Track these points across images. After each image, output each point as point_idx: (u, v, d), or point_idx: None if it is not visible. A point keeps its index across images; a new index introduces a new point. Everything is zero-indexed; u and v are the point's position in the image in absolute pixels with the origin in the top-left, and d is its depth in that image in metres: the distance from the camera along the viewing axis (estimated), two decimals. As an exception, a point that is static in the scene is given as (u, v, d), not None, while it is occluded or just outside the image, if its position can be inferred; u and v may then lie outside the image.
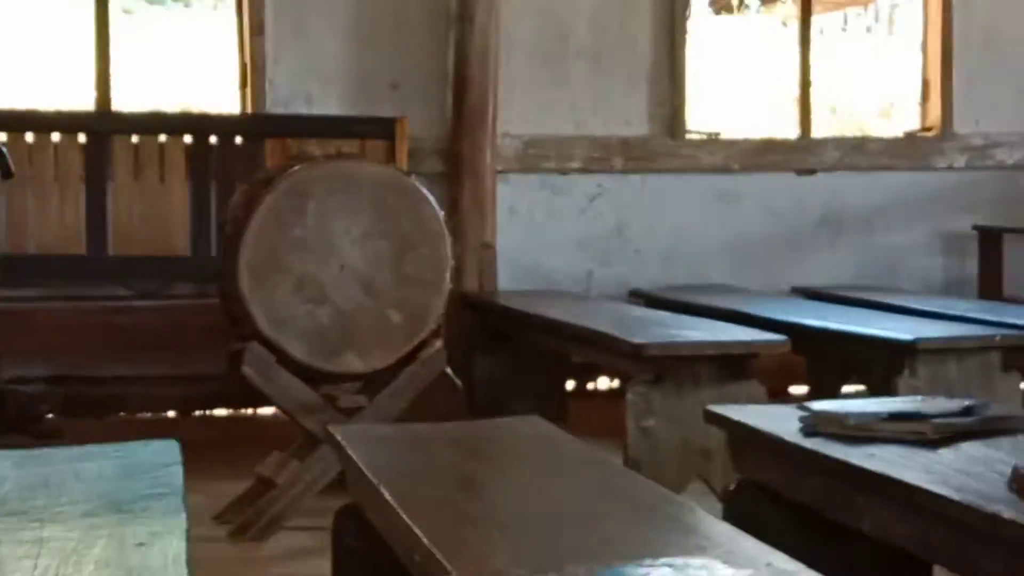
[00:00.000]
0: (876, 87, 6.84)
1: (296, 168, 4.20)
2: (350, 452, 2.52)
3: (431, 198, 4.27)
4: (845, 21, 11.38)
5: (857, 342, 4.45)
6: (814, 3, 6.42)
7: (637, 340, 4.08)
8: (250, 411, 5.65)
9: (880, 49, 6.63)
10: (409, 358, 4.20)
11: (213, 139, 5.47)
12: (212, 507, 4.22)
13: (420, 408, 4.14)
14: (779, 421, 2.55)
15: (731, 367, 4.02)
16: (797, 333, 4.49)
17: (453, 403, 4.55)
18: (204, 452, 5.11)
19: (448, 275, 4.27)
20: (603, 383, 6.04)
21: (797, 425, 2.48)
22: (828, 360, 4.81)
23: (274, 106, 5.82)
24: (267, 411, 5.37)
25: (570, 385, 5.96)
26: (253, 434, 5.32)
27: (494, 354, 5.66)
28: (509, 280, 5.98)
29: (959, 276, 6.29)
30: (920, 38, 6.38)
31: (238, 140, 5.53)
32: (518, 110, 6.01)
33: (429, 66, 5.96)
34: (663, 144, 6.17)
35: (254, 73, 5.85)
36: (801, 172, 6.27)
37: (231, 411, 5.74)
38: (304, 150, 5.16)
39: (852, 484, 2.23)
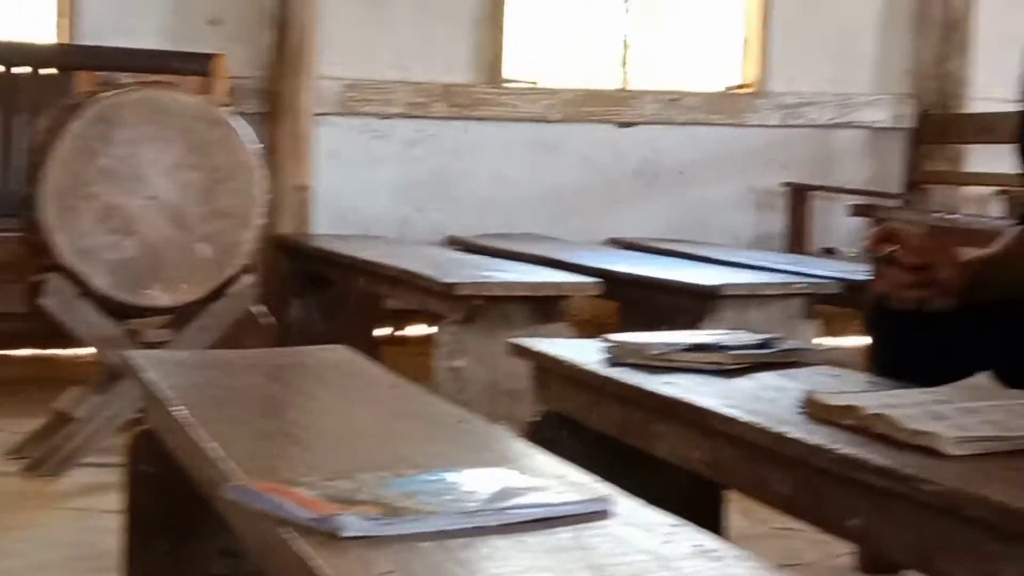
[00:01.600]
0: (698, 42, 6.89)
1: (105, 95, 4.09)
2: (145, 374, 2.46)
3: (244, 131, 4.19)
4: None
5: (666, 289, 4.50)
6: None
7: (449, 280, 4.06)
8: (54, 351, 5.51)
9: (704, 4, 6.67)
10: (218, 293, 4.13)
11: (25, 70, 5.29)
12: (8, 443, 4.11)
13: (228, 346, 4.06)
14: (584, 353, 2.55)
15: (542, 309, 4.02)
16: (609, 280, 4.53)
17: (262, 342, 4.48)
18: (3, 390, 5.00)
19: (260, 210, 4.20)
20: (418, 331, 6.01)
21: (601, 356, 2.48)
22: (639, 307, 4.84)
23: (88, 38, 5.65)
24: (72, 351, 5.24)
25: (385, 331, 5.92)
26: (56, 374, 5.18)
27: (308, 297, 5.59)
28: (326, 224, 5.93)
29: (768, 231, 6.41)
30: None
31: (51, 72, 5.37)
32: (340, 52, 5.95)
33: (250, 3, 5.86)
34: (484, 92, 6.16)
35: (71, 3, 5.69)
36: (621, 124, 6.31)
37: (34, 351, 5.60)
38: (114, 80, 5.02)
39: (650, 410, 2.24)
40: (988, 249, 2.41)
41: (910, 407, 1.87)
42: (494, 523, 1.44)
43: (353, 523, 1.40)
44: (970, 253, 2.39)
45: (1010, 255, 2.35)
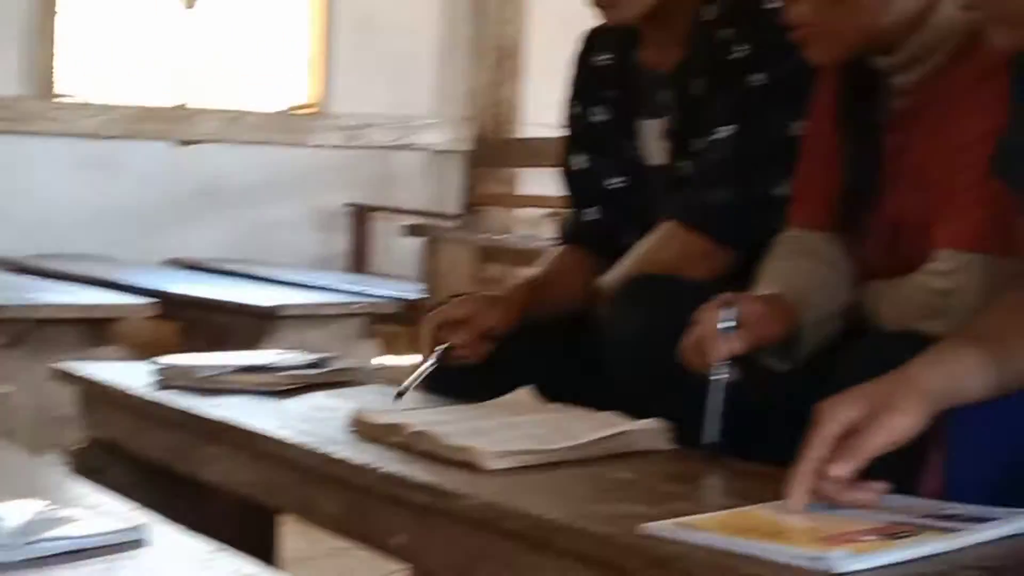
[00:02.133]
0: (262, 60, 6.86)
1: None
2: None
3: None
4: None
5: (225, 310, 4.47)
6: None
7: (-8, 303, 3.88)
8: None
9: (269, 23, 6.65)
10: None
11: None
12: None
13: None
14: (131, 376, 2.47)
15: (94, 331, 3.90)
16: (168, 301, 4.47)
17: None
18: None
19: None
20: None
21: (149, 380, 2.42)
22: (199, 328, 4.77)
23: None
24: None
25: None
26: None
27: None
28: None
29: (331, 251, 6.44)
30: (306, 16, 6.46)
31: None
32: None
33: None
34: (34, 106, 5.93)
35: None
36: (180, 142, 6.20)
37: None
38: None
39: (199, 435, 2.18)
40: (533, 271, 2.47)
41: (454, 423, 1.90)
42: (18, 558, 1.35)
43: None
44: (522, 273, 2.45)
45: (550, 276, 2.42)
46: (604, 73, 2.40)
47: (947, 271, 1.84)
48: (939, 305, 1.83)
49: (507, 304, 2.27)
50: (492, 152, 6.57)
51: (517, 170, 6.58)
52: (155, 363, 2.49)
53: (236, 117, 6.33)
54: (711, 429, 1.79)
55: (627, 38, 2.36)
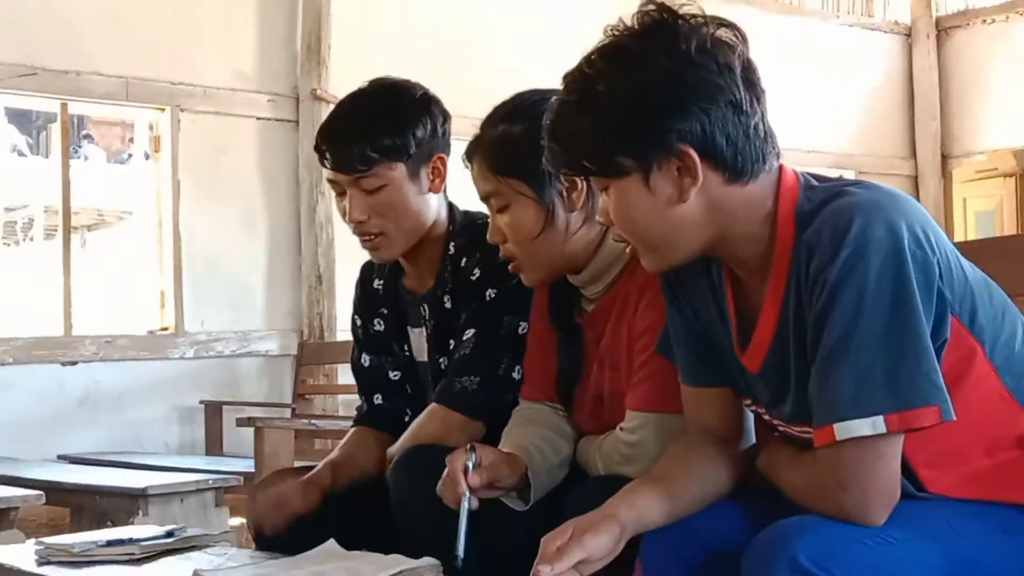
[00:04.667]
0: (121, 291, 6.75)
1: None
2: None
3: None
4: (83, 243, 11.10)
5: (105, 493, 4.28)
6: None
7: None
8: None
9: (133, 264, 6.56)
10: None
11: None
12: None
13: None
14: (20, 555, 2.35)
15: (-5, 519, 3.70)
16: (57, 490, 4.31)
17: None
18: None
19: None
20: None
21: (35, 557, 2.30)
22: (86, 510, 4.57)
23: None
24: None
25: None
26: None
27: None
28: None
29: (192, 439, 6.26)
30: (156, 258, 6.37)
31: None
32: None
33: None
34: (-56, 341, 5.70)
35: None
36: (65, 363, 6.00)
37: None
38: None
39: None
40: (334, 453, 2.40)
41: (275, 572, 1.86)
42: None
43: None
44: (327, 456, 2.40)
45: (347, 454, 2.35)
46: (377, 295, 2.38)
47: (632, 428, 1.85)
48: (630, 454, 1.85)
49: (309, 488, 2.19)
50: (313, 353, 6.53)
51: (334, 365, 6.54)
52: (39, 543, 2.38)
53: (111, 340, 6.16)
54: (458, 547, 1.75)
55: (393, 268, 2.36)
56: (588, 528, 1.54)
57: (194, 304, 6.33)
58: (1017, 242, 1.71)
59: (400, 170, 2.15)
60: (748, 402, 1.69)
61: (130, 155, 10.97)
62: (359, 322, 2.42)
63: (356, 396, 6.87)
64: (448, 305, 2.23)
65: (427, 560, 1.86)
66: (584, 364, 1.99)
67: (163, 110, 6.32)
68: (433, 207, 2.23)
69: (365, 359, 2.40)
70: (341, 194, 2.20)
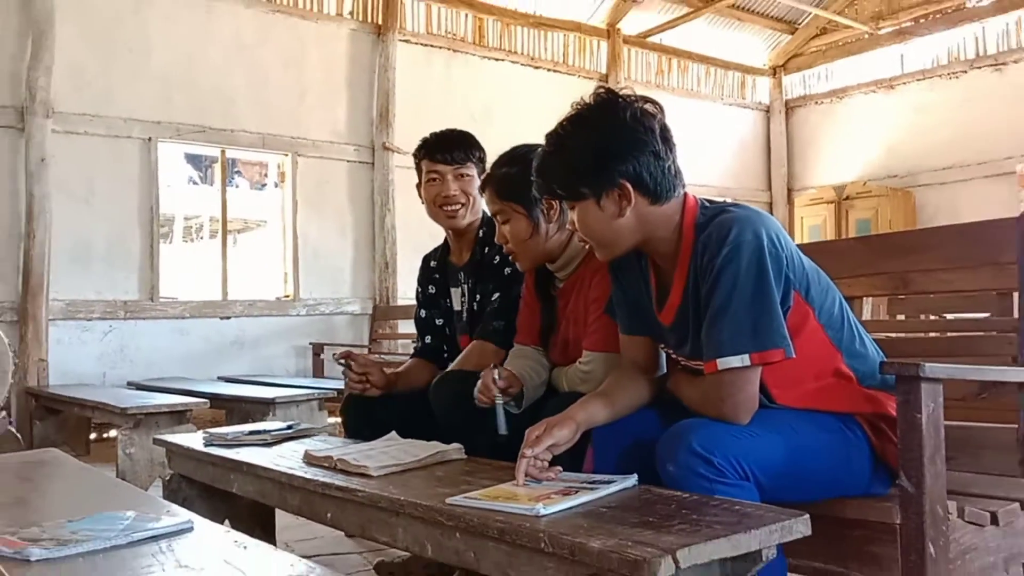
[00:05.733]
0: (259, 272, 6.72)
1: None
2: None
3: (-7, 330, 3.62)
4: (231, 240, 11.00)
5: (248, 401, 4.27)
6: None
7: (122, 405, 3.66)
8: None
9: (266, 255, 6.52)
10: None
11: None
12: None
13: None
14: (192, 440, 2.35)
15: (176, 417, 3.70)
16: (217, 399, 4.30)
17: (15, 448, 3.84)
18: None
19: (10, 373, 3.65)
20: (113, 434, 5.35)
21: (201, 441, 2.30)
22: (236, 412, 4.57)
23: None
24: None
25: (94, 436, 5.24)
26: None
27: (45, 421, 4.87)
28: (57, 380, 5.20)
29: (304, 368, 6.23)
30: (281, 251, 6.33)
31: None
32: (62, 283, 5.31)
33: (5, 260, 5.15)
34: (146, 304, 5.67)
35: None
36: (222, 318, 5.98)
37: None
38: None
39: (227, 468, 2.08)
40: (395, 370, 2.42)
41: (355, 453, 1.85)
42: (120, 542, 1.28)
43: (33, 552, 1.21)
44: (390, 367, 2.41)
45: (406, 370, 2.37)
46: (433, 269, 2.42)
47: (586, 362, 1.86)
48: (585, 378, 1.85)
49: (381, 373, 2.26)
50: (382, 313, 6.50)
51: (396, 321, 6.52)
52: (206, 432, 2.38)
53: (253, 303, 6.15)
54: (500, 427, 1.77)
55: (443, 250, 2.40)
56: (555, 424, 1.55)
57: (306, 281, 6.29)
58: (833, 245, 1.73)
59: (473, 172, 2.26)
60: (663, 346, 1.69)
61: (265, 184, 10.95)
62: (419, 289, 2.45)
63: (411, 341, 6.88)
64: (483, 277, 2.25)
65: (455, 444, 1.86)
66: (557, 321, 2.00)
67: (287, 155, 6.27)
68: (481, 205, 2.28)
69: (422, 312, 2.44)
70: (436, 181, 2.28)
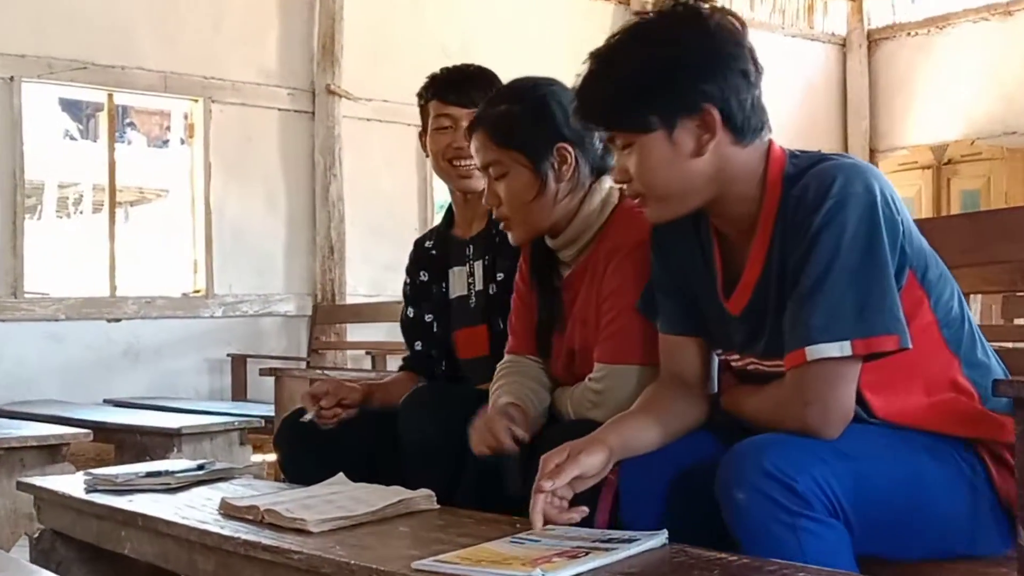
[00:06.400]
0: (159, 259, 6.72)
1: None
2: None
3: None
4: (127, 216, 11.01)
5: (145, 432, 4.27)
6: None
7: (-26, 437, 3.64)
8: None
9: (171, 232, 6.53)
10: None
11: None
12: None
13: None
14: (70, 485, 2.35)
15: (48, 454, 3.68)
16: (103, 429, 4.29)
17: None
18: None
19: None
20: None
21: (83, 486, 2.30)
22: (128, 447, 4.57)
23: None
24: None
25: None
26: None
27: None
28: None
29: (220, 387, 6.24)
30: (190, 231, 6.32)
31: None
32: None
33: None
34: (7, 302, 5.66)
35: None
36: (110, 320, 5.98)
37: None
38: None
39: (117, 522, 2.09)
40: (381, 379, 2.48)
41: (290, 502, 1.85)
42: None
43: None
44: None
45: (388, 384, 2.40)
46: (427, 250, 2.46)
47: (599, 378, 1.86)
48: (597, 400, 1.85)
49: (353, 387, 2.28)
50: (325, 314, 6.51)
51: (344, 325, 6.53)
52: (88, 473, 2.38)
53: (151, 301, 6.14)
54: (515, 486, 1.73)
55: (445, 221, 2.44)
56: (583, 448, 1.55)
57: (222, 270, 6.30)
58: (930, 224, 1.73)
59: None
60: (719, 351, 1.70)
61: (167, 141, 10.90)
62: (407, 281, 2.49)
63: (361, 352, 6.85)
64: (497, 240, 2.27)
65: (423, 491, 1.86)
66: (561, 320, 2.00)
67: (197, 101, 6.27)
68: None
69: (410, 311, 2.47)
70: (447, 128, 2.29)
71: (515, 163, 1.92)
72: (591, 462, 1.54)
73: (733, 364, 1.68)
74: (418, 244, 2.52)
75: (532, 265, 2.06)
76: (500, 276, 2.25)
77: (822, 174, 1.49)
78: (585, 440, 1.57)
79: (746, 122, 1.54)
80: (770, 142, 1.59)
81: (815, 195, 1.47)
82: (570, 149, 1.91)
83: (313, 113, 6.55)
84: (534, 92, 1.92)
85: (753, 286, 1.58)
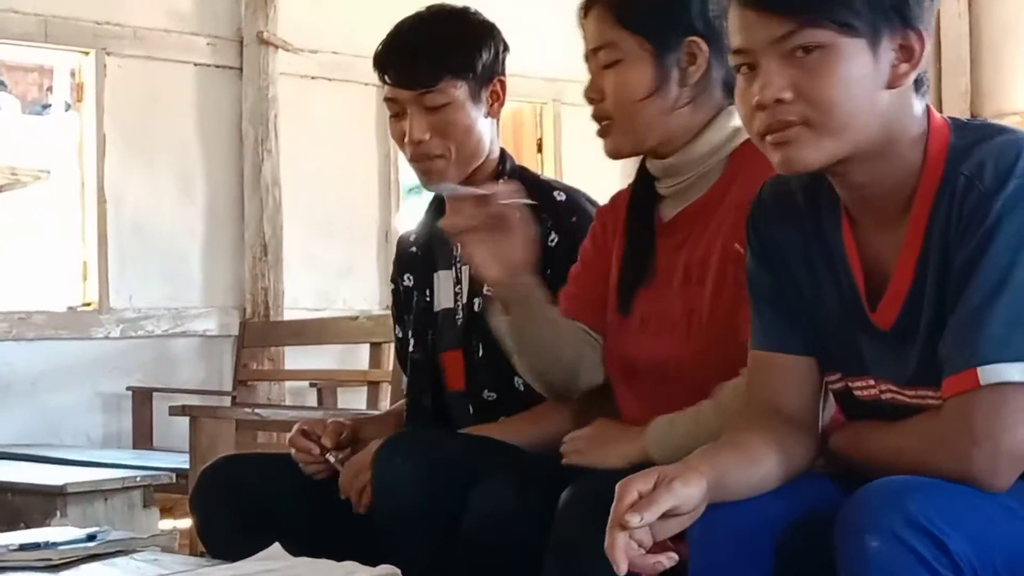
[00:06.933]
0: (38, 262, 6.71)
1: None
2: None
3: None
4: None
5: (18, 491, 4.25)
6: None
7: None
8: None
9: (48, 231, 6.53)
10: None
11: None
12: None
13: None
14: (-81, 560, 2.35)
15: None
16: (-35, 487, 4.28)
17: None
18: None
19: None
20: None
21: (-63, 562, 2.30)
22: (-4, 509, 4.56)
23: None
24: None
25: None
26: None
27: None
28: None
29: (117, 430, 6.23)
30: (79, 224, 6.32)
31: None
32: None
33: None
34: None
35: None
36: (-30, 343, 5.98)
37: None
38: None
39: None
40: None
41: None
42: None
43: None
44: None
45: (383, 416, 2.50)
46: (411, 246, 2.54)
47: None
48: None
49: (336, 426, 2.35)
50: (257, 334, 6.49)
51: (281, 348, 6.53)
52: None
53: (24, 317, 6.12)
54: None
55: (434, 211, 2.48)
56: (676, 476, 1.52)
57: (121, 277, 6.29)
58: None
59: (463, 89, 2.31)
60: (835, 375, 1.70)
61: (48, 105, 10.89)
62: (392, 288, 2.58)
63: (303, 383, 6.87)
64: None
65: (385, 568, 1.87)
66: (652, 273, 2.06)
67: (87, 54, 6.26)
68: (489, 134, 2.38)
69: (398, 330, 2.57)
70: (397, 115, 2.35)
71: (636, 49, 1.99)
72: (689, 493, 1.51)
73: (858, 393, 1.69)
74: (402, 242, 2.59)
75: (633, 195, 2.13)
76: (490, 290, 2.28)
77: (1002, 148, 1.52)
78: (677, 467, 1.55)
79: (926, 71, 1.60)
80: (928, 108, 1.63)
81: (994, 174, 1.49)
82: (703, 47, 1.99)
83: (241, 69, 6.54)
84: None
85: (907, 291, 1.59)
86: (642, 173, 2.12)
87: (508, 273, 2.02)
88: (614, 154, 2.06)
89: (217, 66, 6.54)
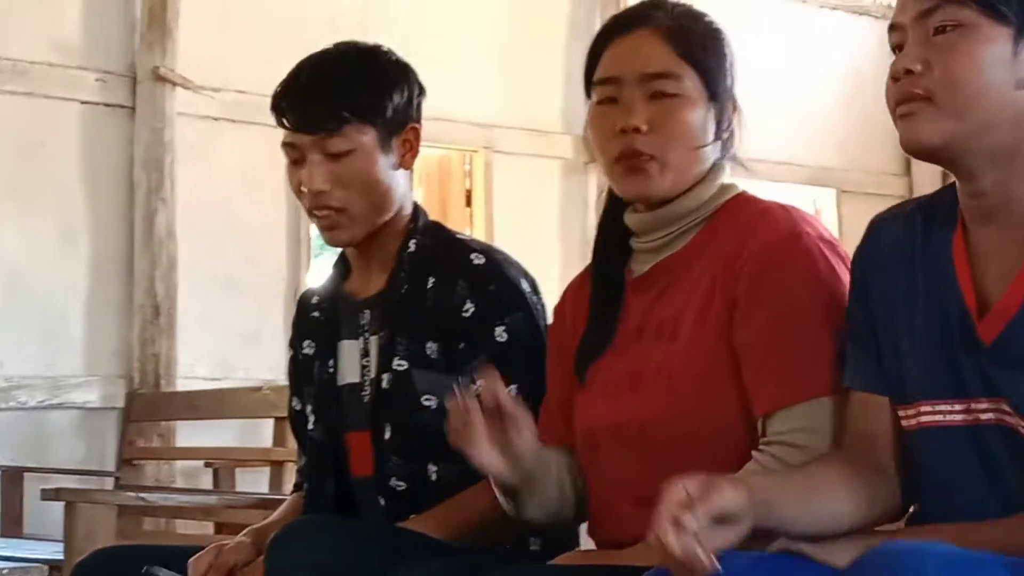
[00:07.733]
0: None
1: None
2: None
3: None
4: None
5: None
6: None
7: None
8: None
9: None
10: None
11: None
12: None
13: None
14: None
15: None
16: None
17: None
18: None
19: None
20: None
21: None
22: None
23: None
24: None
25: None
26: None
27: None
28: None
29: (-18, 515, 6.14)
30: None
31: None
32: None
33: None
34: None
35: None
36: None
37: None
38: None
39: None
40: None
41: None
42: None
43: None
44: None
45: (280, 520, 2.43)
46: (314, 308, 2.51)
47: (791, 430, 1.86)
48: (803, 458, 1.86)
49: (242, 545, 2.32)
50: (146, 407, 6.43)
51: (172, 423, 6.48)
52: None
53: None
54: None
55: (338, 271, 2.48)
56: (717, 481, 1.55)
57: (-12, 339, 6.23)
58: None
59: (371, 135, 2.31)
60: (912, 411, 1.73)
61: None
62: (291, 355, 2.57)
63: (197, 463, 6.82)
64: (402, 307, 2.33)
65: None
66: (620, 334, 2.08)
67: (-44, 89, 6.27)
68: (401, 188, 2.38)
69: (296, 403, 2.55)
70: (297, 162, 2.34)
71: (692, 85, 2.05)
72: (734, 497, 1.54)
73: (940, 419, 1.70)
74: (304, 303, 2.58)
75: (602, 244, 2.15)
76: (400, 365, 2.29)
77: None
78: (719, 477, 1.58)
79: None
80: None
81: None
82: (736, 103, 2.09)
83: (134, 108, 6.55)
84: (710, 19, 2.12)
85: (1018, 306, 1.64)
86: (610, 227, 2.14)
87: (514, 464, 2.00)
88: (655, 194, 2.05)
89: (107, 104, 6.54)
